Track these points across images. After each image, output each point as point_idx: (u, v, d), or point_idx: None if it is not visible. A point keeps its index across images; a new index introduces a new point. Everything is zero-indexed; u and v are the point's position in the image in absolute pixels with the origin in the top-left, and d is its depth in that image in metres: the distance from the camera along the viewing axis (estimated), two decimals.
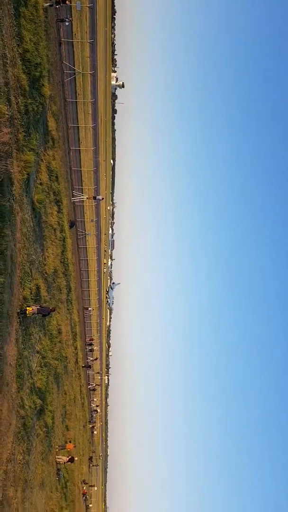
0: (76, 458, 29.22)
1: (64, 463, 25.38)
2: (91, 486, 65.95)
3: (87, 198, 31.63)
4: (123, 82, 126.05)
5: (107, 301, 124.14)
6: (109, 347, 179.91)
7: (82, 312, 42.50)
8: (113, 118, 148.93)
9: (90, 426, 63.64)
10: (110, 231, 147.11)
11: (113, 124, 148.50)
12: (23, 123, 14.49)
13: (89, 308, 46.23)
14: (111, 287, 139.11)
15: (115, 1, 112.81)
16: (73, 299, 32.36)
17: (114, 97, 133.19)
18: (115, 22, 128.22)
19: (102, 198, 40.28)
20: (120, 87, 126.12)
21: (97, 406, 71.43)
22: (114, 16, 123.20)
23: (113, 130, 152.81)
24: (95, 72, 32.42)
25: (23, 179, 14.64)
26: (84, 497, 48.60)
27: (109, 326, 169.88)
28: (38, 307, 15.83)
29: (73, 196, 29.27)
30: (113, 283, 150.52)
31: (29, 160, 14.93)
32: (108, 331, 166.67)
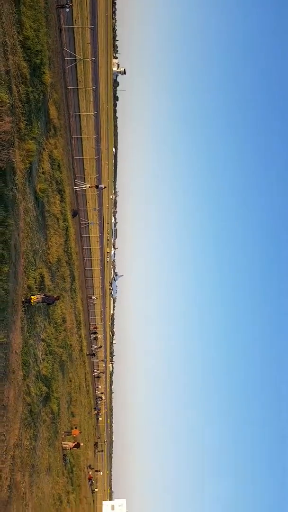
0: (81, 444, 29.75)
1: (70, 448, 25.84)
2: (97, 471, 67.22)
3: (89, 187, 31.54)
4: (124, 69, 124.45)
5: (110, 292, 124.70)
6: (113, 335, 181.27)
7: (86, 301, 42.77)
8: (115, 105, 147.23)
9: (95, 412, 64.54)
10: (113, 220, 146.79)
11: (114, 111, 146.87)
12: (24, 111, 14.39)
13: (93, 297, 46.51)
14: (114, 279, 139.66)
15: None
16: (77, 288, 32.53)
17: (115, 84, 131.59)
18: (116, 7, 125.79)
19: (105, 187, 40.15)
20: (122, 74, 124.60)
21: (101, 393, 72.35)
22: (115, 1, 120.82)
23: (115, 118, 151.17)
24: (96, 59, 32.01)
25: (25, 168, 14.60)
26: (90, 482, 49.64)
27: (113, 314, 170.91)
28: (42, 296, 15.93)
29: (75, 185, 29.20)
30: (116, 274, 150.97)
31: (31, 149, 14.85)
32: (112, 320, 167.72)
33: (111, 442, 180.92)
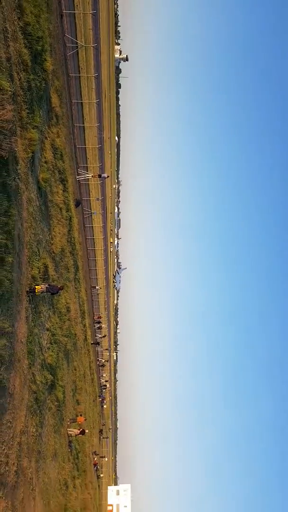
0: (87, 431, 30.20)
1: (76, 435, 26.24)
2: (102, 457, 68.40)
3: (92, 176, 31.35)
4: (127, 55, 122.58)
5: (114, 284, 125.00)
6: (117, 324, 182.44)
7: (90, 290, 42.92)
8: (117, 93, 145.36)
9: (100, 400, 65.34)
10: (116, 210, 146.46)
11: (117, 99, 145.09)
12: (26, 99, 14.23)
13: (97, 287, 46.68)
14: (118, 272, 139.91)
15: None
16: (80, 278, 32.63)
17: (118, 71, 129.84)
18: None
19: (108, 176, 39.91)
20: (124, 60, 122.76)
21: (106, 381, 73.10)
22: None
23: (117, 106, 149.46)
24: (98, 45, 31.51)
25: (27, 157, 14.50)
26: (95, 468, 50.52)
27: (117, 304, 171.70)
28: (46, 285, 15.99)
29: (78, 174, 29.04)
30: (120, 267, 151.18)
31: (34, 138, 14.73)
32: (116, 309, 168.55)
33: (115, 429, 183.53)
